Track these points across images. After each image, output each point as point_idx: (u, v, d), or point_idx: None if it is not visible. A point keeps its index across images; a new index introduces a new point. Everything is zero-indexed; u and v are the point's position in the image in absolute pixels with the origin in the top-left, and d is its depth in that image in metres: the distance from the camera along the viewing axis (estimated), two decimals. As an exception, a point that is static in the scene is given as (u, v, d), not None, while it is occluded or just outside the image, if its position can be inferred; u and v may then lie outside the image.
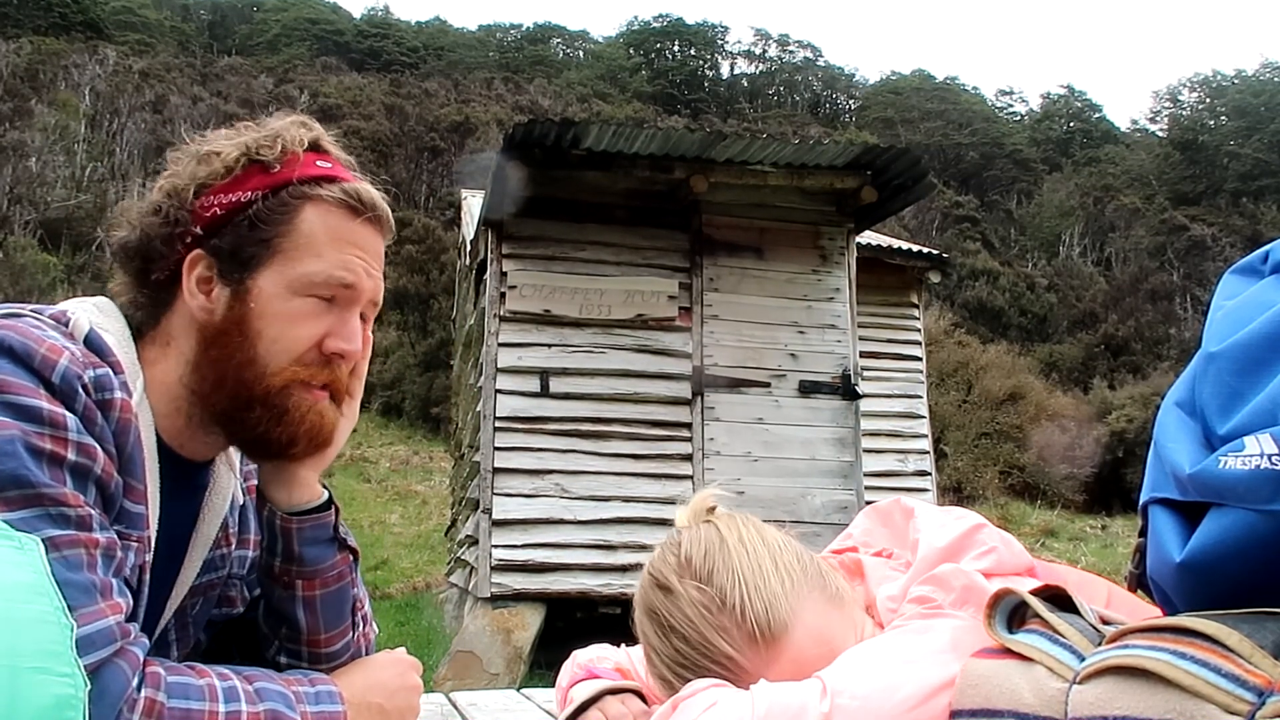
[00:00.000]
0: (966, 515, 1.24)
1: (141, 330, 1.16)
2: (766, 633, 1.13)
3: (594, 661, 1.44)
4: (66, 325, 1.05)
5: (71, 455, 0.95)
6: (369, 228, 1.19)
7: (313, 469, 1.21)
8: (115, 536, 0.99)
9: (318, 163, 1.18)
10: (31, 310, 1.05)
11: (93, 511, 0.96)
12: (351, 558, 1.24)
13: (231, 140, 1.17)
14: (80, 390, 0.98)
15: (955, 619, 1.08)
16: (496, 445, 7.22)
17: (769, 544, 1.23)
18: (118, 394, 1.02)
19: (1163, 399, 0.90)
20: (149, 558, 1.08)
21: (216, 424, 1.15)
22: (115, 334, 1.11)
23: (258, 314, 1.11)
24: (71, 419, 0.96)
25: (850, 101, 77.77)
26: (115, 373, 1.04)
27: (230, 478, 1.24)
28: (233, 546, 1.27)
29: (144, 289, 1.16)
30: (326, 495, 1.22)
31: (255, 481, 1.32)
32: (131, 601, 0.99)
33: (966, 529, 1.21)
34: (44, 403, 0.95)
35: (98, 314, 1.12)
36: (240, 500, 1.28)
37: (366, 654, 1.26)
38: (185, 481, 1.18)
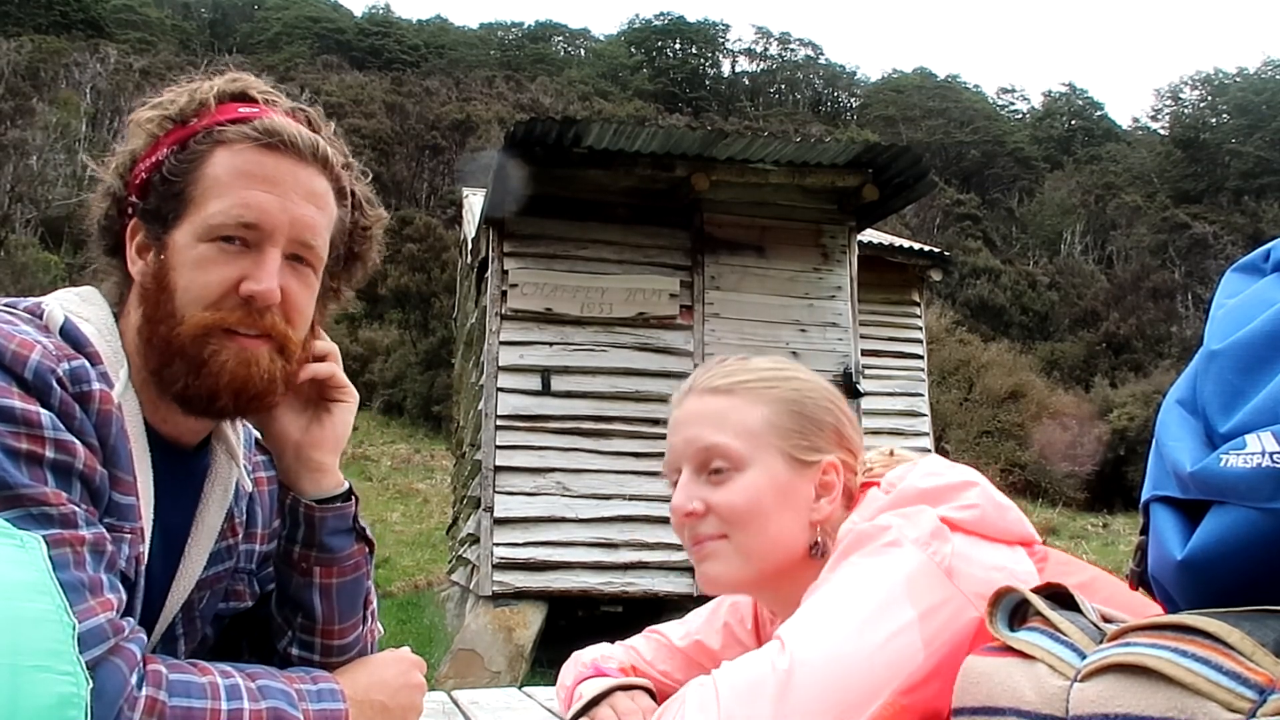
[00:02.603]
0: (968, 473, 1.23)
1: (121, 310, 1.15)
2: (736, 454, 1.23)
3: (600, 660, 1.45)
4: (40, 318, 1.03)
5: (50, 453, 0.94)
6: (287, 160, 1.12)
7: (332, 456, 1.21)
8: (104, 531, 0.98)
9: (240, 109, 1.13)
10: (5, 304, 1.03)
11: (77, 508, 0.95)
12: (367, 549, 1.24)
13: (153, 105, 1.16)
14: (55, 385, 0.96)
15: (911, 556, 1.08)
16: (498, 443, 7.22)
17: (829, 399, 1.30)
18: (96, 385, 1.00)
19: (1164, 397, 0.90)
20: (144, 549, 1.07)
21: (156, 387, 1.11)
22: (96, 322, 1.09)
23: (171, 266, 1.08)
24: (46, 416, 0.94)
25: (851, 99, 77.76)
26: (93, 364, 1.02)
27: (232, 468, 1.23)
28: (239, 538, 1.26)
29: (114, 268, 1.16)
30: (347, 486, 1.23)
31: (259, 476, 1.32)
32: (125, 596, 0.99)
33: (955, 481, 1.20)
34: (16, 401, 0.93)
35: (78, 303, 1.11)
36: (247, 491, 1.27)
37: (370, 652, 1.26)
38: (180, 469, 1.17)
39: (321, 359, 1.22)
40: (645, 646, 1.53)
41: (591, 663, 1.44)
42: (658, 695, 1.35)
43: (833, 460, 1.27)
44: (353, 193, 1.21)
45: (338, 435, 1.23)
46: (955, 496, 1.18)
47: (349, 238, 1.23)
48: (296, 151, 1.12)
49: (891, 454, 1.34)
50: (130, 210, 1.13)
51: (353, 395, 1.25)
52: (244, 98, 1.15)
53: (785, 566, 1.24)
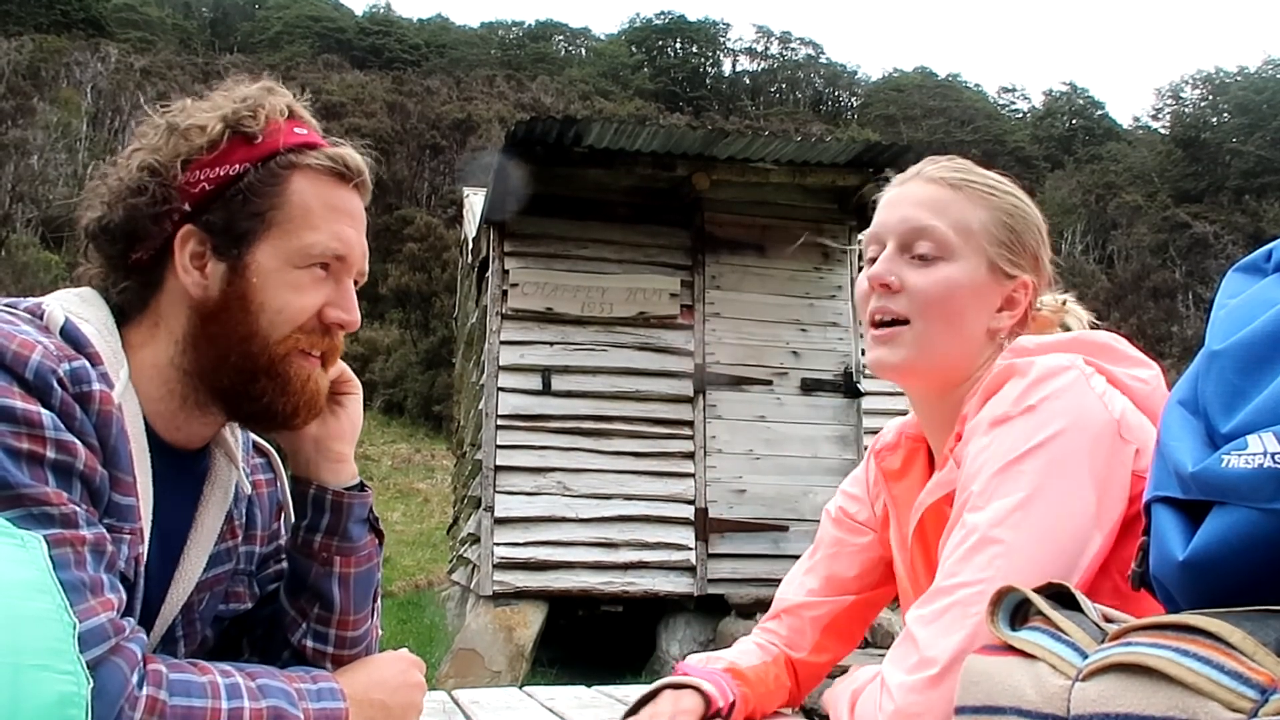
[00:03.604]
0: (1151, 362, 1.24)
1: (126, 314, 1.14)
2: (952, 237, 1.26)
3: (705, 661, 1.42)
4: (41, 318, 1.03)
5: (51, 453, 0.94)
6: (355, 194, 1.19)
7: (349, 446, 1.25)
8: (104, 531, 0.98)
9: (295, 130, 1.18)
10: (5, 304, 1.03)
11: (78, 508, 0.95)
12: (378, 541, 1.27)
13: (209, 112, 1.15)
14: (56, 385, 0.96)
15: (1096, 415, 1.10)
16: (498, 443, 7.22)
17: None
18: (96, 386, 1.01)
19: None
20: (143, 549, 1.08)
21: (218, 400, 1.15)
22: (96, 323, 1.09)
23: (259, 287, 1.11)
24: (47, 416, 0.94)
25: (852, 99, 77.77)
26: (93, 364, 1.02)
27: (231, 470, 1.24)
28: (239, 540, 1.27)
29: (124, 271, 1.15)
30: (360, 478, 1.27)
31: (258, 479, 1.32)
32: (125, 596, 0.99)
33: (1138, 356, 1.23)
34: (17, 401, 0.93)
35: (78, 303, 1.11)
36: (246, 493, 1.28)
37: (373, 650, 1.28)
38: (180, 471, 1.17)
39: None
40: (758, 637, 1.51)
41: (677, 666, 1.41)
42: (712, 700, 1.30)
43: (1026, 280, 1.30)
44: None
45: (354, 425, 1.27)
46: (1133, 366, 1.21)
47: None
48: (363, 187, 1.20)
49: (1064, 304, 1.40)
50: (176, 216, 1.12)
51: (358, 386, 1.29)
52: (292, 113, 1.19)
53: (953, 365, 1.27)
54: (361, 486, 1.25)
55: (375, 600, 1.28)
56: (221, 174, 1.12)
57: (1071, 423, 1.10)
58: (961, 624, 1.03)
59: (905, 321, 1.26)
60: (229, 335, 1.11)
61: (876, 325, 1.28)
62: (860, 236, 1.38)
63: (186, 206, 1.12)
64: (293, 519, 1.27)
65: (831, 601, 1.48)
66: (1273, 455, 0.73)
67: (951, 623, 1.04)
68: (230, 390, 1.13)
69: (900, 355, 1.26)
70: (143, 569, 1.08)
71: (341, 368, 1.25)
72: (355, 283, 1.21)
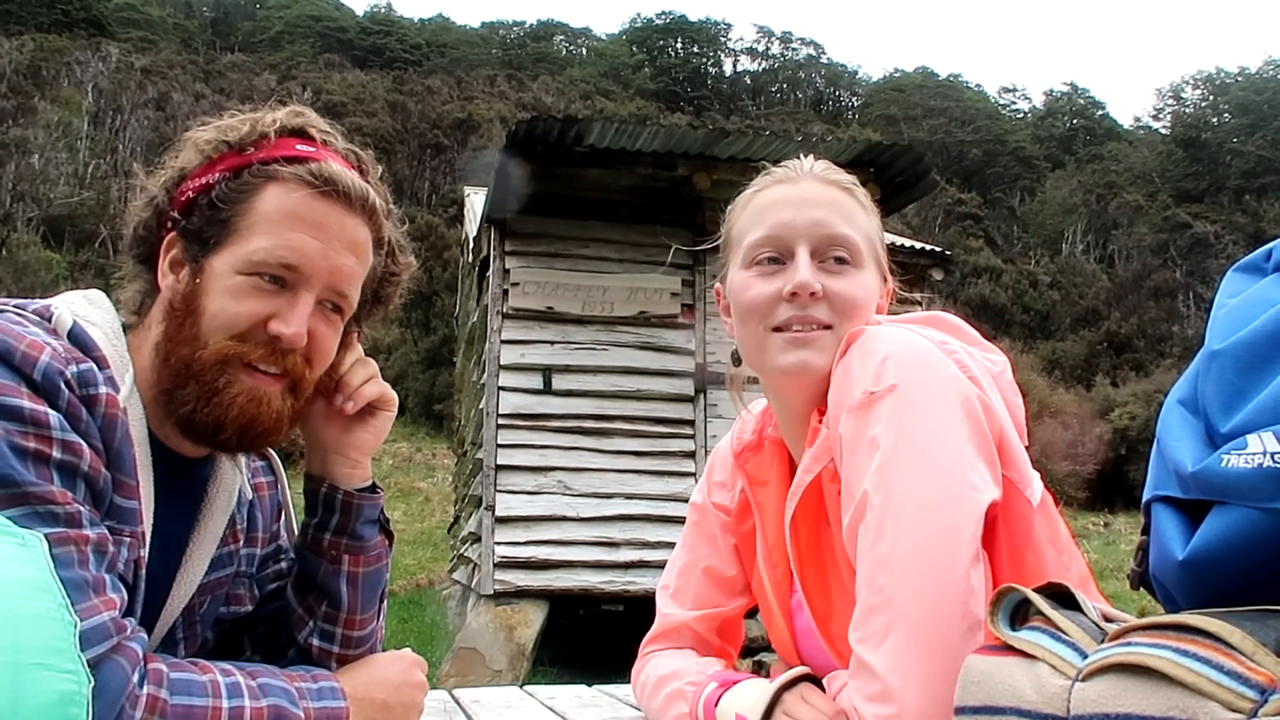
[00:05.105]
0: (1003, 362, 1.24)
1: (137, 318, 1.16)
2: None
3: (701, 670, 1.32)
4: (49, 320, 1.04)
5: (57, 453, 0.94)
6: (337, 208, 1.13)
7: (368, 456, 1.25)
8: (107, 532, 0.99)
9: (298, 146, 1.15)
10: (14, 306, 1.04)
11: (82, 508, 0.95)
12: (388, 541, 1.27)
13: (214, 128, 1.17)
14: (63, 386, 0.97)
15: (963, 389, 1.11)
16: (499, 442, 7.22)
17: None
18: (102, 389, 1.01)
19: (1165, 396, 0.90)
20: (144, 553, 1.08)
21: (162, 405, 1.12)
22: (103, 326, 1.10)
23: (203, 290, 1.10)
24: (54, 416, 0.95)
25: (853, 98, 77.78)
26: (100, 367, 1.03)
27: (235, 475, 1.24)
28: (240, 544, 1.27)
29: (144, 280, 1.17)
30: (372, 479, 1.26)
31: (259, 481, 1.32)
32: (126, 596, 0.99)
33: (986, 343, 1.25)
34: (25, 401, 0.94)
35: (86, 306, 1.12)
36: (248, 498, 1.28)
37: (379, 649, 1.28)
38: (182, 477, 1.17)
39: (367, 379, 1.24)
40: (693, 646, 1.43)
41: (714, 675, 1.28)
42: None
43: (892, 286, 1.33)
44: (388, 239, 1.23)
45: (376, 439, 1.26)
46: (985, 350, 1.23)
47: (377, 283, 1.24)
48: (347, 200, 1.14)
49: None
50: (169, 225, 1.14)
51: (394, 405, 1.28)
52: (303, 134, 1.17)
53: None
54: (374, 488, 1.25)
55: (382, 600, 1.28)
56: (202, 183, 1.13)
57: (941, 399, 1.09)
58: (911, 645, 1.00)
59: (827, 327, 1.23)
60: (175, 338, 1.10)
61: (785, 329, 1.23)
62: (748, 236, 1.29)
63: (175, 214, 1.14)
64: (291, 520, 1.28)
65: (720, 611, 1.44)
66: (1273, 455, 0.73)
67: (900, 644, 1.01)
68: (165, 394, 1.11)
69: (824, 359, 1.21)
70: (143, 572, 1.08)
71: (384, 388, 1.24)
72: (338, 306, 1.16)
